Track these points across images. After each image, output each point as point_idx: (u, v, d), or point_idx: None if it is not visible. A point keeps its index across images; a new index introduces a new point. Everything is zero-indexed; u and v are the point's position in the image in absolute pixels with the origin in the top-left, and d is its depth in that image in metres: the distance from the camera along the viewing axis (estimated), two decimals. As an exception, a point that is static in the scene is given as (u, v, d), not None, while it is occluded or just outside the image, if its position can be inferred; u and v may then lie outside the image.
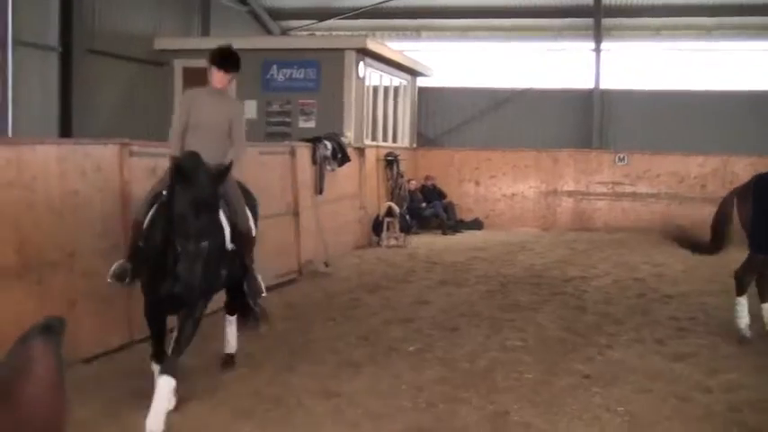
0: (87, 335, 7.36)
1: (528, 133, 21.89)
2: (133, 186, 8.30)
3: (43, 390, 1.30)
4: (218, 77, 7.20)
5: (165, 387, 6.05)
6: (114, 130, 11.22)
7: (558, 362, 8.25)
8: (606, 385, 7.46)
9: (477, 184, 21.01)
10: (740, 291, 9.19)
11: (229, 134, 7.24)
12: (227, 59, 7.22)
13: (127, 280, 6.89)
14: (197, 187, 5.99)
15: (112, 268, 6.92)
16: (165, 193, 6.49)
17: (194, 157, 6.35)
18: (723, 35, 22.23)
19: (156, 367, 6.46)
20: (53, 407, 1.32)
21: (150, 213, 6.64)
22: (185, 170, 6.08)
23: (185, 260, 5.91)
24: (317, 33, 23.14)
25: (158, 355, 6.58)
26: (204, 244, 5.99)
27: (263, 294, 7.44)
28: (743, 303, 9.16)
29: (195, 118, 7.08)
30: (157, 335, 6.67)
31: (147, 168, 8.49)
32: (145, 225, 6.63)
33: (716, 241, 9.52)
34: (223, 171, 6.28)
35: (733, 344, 8.96)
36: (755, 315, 9.18)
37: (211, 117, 7.12)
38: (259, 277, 7.44)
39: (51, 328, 1.34)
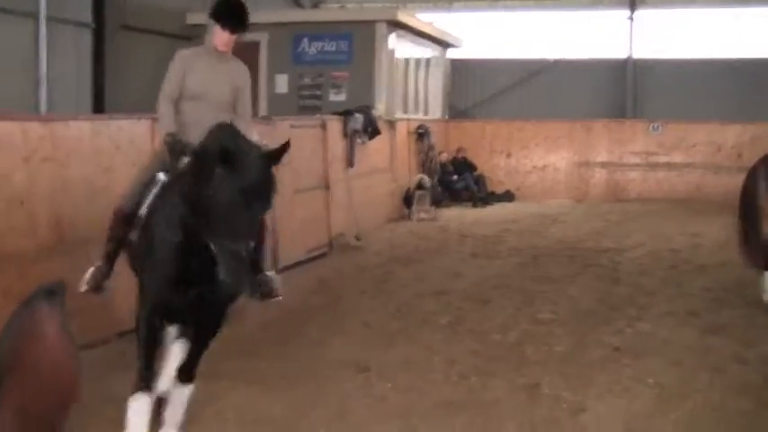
0: (122, 310, 7.44)
1: (561, 104, 21.73)
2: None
3: (52, 350, 1.35)
4: (222, 38, 5.91)
5: (188, 395, 5.45)
6: (147, 105, 11.30)
7: (588, 334, 8.27)
8: (637, 357, 7.48)
9: (509, 156, 20.92)
10: (768, 265, 9.13)
11: (233, 106, 5.99)
12: (234, 16, 5.91)
13: (106, 288, 5.85)
14: (250, 172, 4.59)
15: (87, 276, 5.80)
16: (162, 176, 5.43)
17: (232, 131, 4.97)
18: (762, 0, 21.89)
19: (140, 398, 5.20)
20: (64, 367, 1.36)
21: (149, 202, 5.42)
22: (230, 149, 4.61)
23: (230, 264, 4.57)
24: (348, 5, 23.10)
25: (145, 386, 5.23)
26: (252, 245, 4.82)
27: (279, 298, 5.86)
28: None
29: (194, 85, 5.84)
30: (152, 355, 5.30)
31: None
32: (143, 217, 5.40)
33: (747, 214, 9.39)
34: (281, 149, 4.80)
35: (768, 315, 8.94)
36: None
37: (214, 84, 5.89)
38: (274, 277, 5.95)
39: (54, 292, 1.38)
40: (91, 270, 5.82)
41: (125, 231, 5.60)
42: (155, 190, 5.42)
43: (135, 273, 5.57)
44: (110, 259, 5.79)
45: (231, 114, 5.81)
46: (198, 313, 5.27)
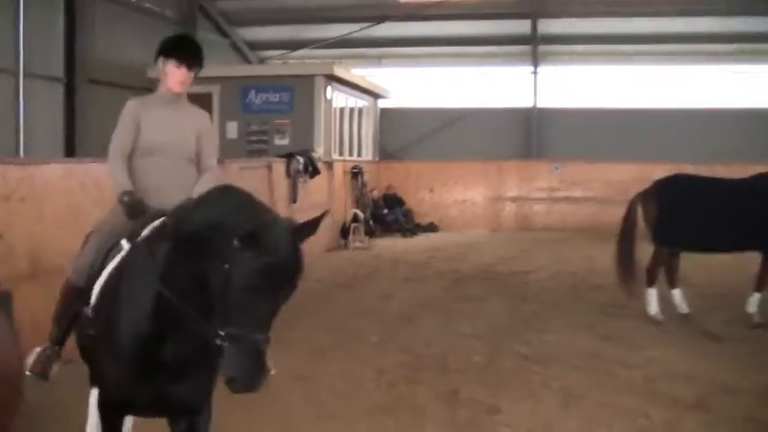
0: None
1: (476, 147, 22.02)
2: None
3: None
4: (177, 76, 4.59)
5: None
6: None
7: (502, 345, 8.38)
8: (543, 364, 7.61)
9: (432, 191, 21.12)
10: (650, 282, 9.45)
11: (194, 158, 4.66)
12: (188, 50, 4.62)
13: (54, 369, 4.48)
14: (279, 250, 3.28)
15: (31, 359, 4.48)
16: (126, 243, 4.02)
17: (245, 197, 3.54)
18: (641, 60, 22.55)
19: None
20: (9, 366, 1.42)
21: (108, 273, 3.99)
22: (255, 224, 3.27)
23: (247, 359, 3.29)
24: (291, 61, 23.21)
25: None
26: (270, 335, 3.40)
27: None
28: (652, 293, 9.42)
29: (151, 136, 4.52)
30: None
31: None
32: (97, 291, 3.99)
33: (624, 242, 9.66)
34: (314, 223, 3.49)
35: (652, 325, 9.18)
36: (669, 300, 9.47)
37: (175, 133, 4.58)
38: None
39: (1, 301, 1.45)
40: (36, 352, 4.51)
41: (78, 307, 4.22)
42: (117, 258, 4.02)
43: (84, 353, 4.21)
44: (58, 341, 4.47)
45: (192, 167, 4.66)
46: (174, 407, 3.86)
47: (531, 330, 9.08)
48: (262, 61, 23.98)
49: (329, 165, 16.96)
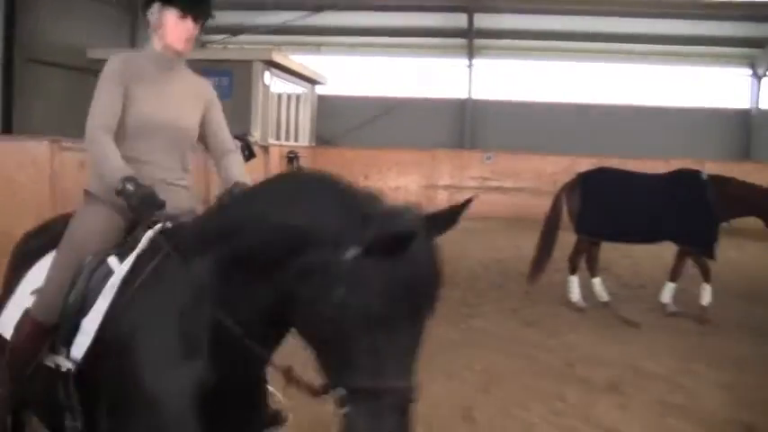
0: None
1: (411, 135, 22.18)
2: (62, 178, 8.24)
3: None
4: (180, 31, 3.24)
5: None
6: (53, 132, 11.10)
7: (430, 330, 8.42)
8: (468, 348, 7.70)
9: (367, 178, 21.06)
10: (572, 270, 9.69)
11: (195, 146, 3.50)
12: None
13: None
14: (420, 260, 2.27)
15: None
16: (115, 261, 2.87)
17: (347, 188, 2.52)
18: (574, 56, 23.03)
19: None
20: None
21: (105, 306, 2.74)
22: (379, 225, 2.22)
23: (388, 416, 2.19)
24: (230, 46, 23.00)
25: None
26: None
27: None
28: (573, 281, 9.66)
29: (141, 112, 3.19)
30: None
31: (76, 162, 8.36)
32: (89, 342, 2.75)
33: (547, 231, 9.81)
34: (453, 212, 2.44)
35: (573, 311, 9.38)
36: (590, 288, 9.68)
37: (173, 111, 3.26)
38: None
39: None
40: None
41: (42, 356, 2.95)
42: (110, 285, 2.79)
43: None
44: (13, 394, 3.14)
45: (191, 147, 3.45)
46: None
47: (458, 315, 9.12)
48: (202, 45, 23.65)
49: (265, 149, 16.88)
